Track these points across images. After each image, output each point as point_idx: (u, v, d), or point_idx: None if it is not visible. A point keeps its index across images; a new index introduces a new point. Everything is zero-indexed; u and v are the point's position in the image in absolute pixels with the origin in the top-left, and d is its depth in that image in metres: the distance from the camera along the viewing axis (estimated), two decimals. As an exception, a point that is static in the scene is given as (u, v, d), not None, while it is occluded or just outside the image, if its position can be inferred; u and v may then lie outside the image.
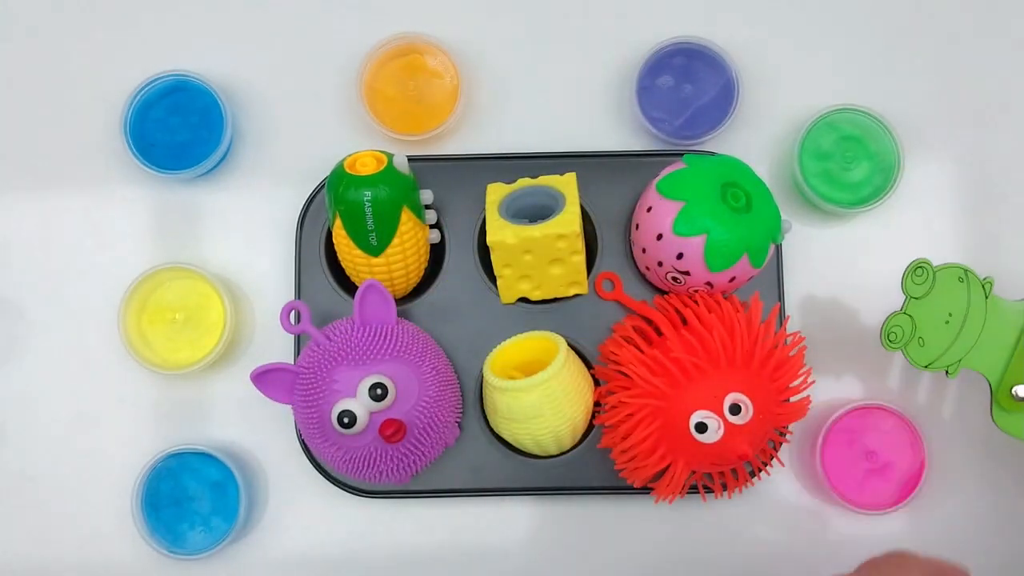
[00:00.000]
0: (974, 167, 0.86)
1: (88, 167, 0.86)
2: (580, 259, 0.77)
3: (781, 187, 0.85)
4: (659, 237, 0.73)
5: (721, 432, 0.69)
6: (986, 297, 0.74)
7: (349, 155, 0.75)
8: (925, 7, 0.87)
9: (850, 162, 0.83)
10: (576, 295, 0.80)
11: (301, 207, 0.82)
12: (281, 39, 0.88)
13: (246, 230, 0.86)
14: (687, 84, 0.84)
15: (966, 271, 0.74)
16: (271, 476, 0.84)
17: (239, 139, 0.86)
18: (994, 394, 0.75)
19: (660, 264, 0.74)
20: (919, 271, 0.72)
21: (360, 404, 0.70)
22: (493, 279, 0.80)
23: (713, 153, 0.80)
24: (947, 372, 0.74)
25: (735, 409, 0.69)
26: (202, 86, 0.83)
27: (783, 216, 0.76)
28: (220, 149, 0.82)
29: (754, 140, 0.86)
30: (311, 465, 0.80)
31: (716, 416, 0.69)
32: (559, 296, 0.80)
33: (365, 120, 0.83)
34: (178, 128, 0.84)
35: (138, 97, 0.83)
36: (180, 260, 0.84)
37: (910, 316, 0.73)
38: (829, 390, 0.83)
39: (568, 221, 0.74)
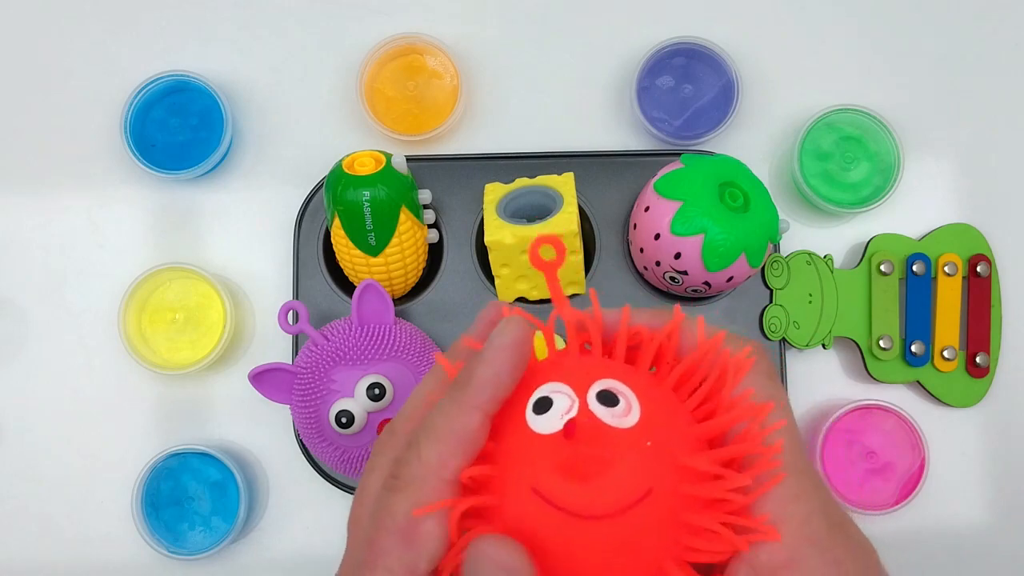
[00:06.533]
0: (974, 167, 0.86)
1: (88, 167, 0.86)
2: (578, 259, 0.77)
3: (781, 187, 0.85)
4: (657, 237, 0.73)
5: (568, 417, 0.38)
6: (831, 271, 0.81)
7: (347, 155, 0.76)
8: (924, 7, 0.87)
9: (850, 162, 0.83)
10: (574, 295, 0.80)
11: (299, 207, 0.82)
12: (281, 39, 0.88)
13: (246, 230, 0.86)
14: (687, 84, 0.84)
15: (810, 254, 0.81)
16: (271, 476, 0.84)
17: (239, 139, 0.86)
18: (864, 352, 0.81)
19: (658, 264, 0.74)
20: (775, 265, 0.80)
21: (358, 404, 0.70)
22: (491, 279, 0.80)
23: (711, 153, 0.80)
24: (823, 345, 0.81)
25: (607, 399, 0.38)
26: (202, 86, 0.83)
27: (781, 216, 0.76)
28: (220, 149, 0.82)
29: (754, 140, 0.85)
30: (311, 465, 0.80)
31: (570, 392, 0.39)
32: (557, 296, 0.80)
33: (365, 120, 0.83)
34: (178, 129, 0.84)
35: (138, 97, 0.83)
36: (180, 260, 0.84)
37: (781, 305, 0.80)
38: (829, 390, 0.83)
39: (566, 221, 0.74)
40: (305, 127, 0.87)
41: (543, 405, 0.38)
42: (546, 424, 0.37)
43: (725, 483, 0.36)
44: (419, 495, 0.37)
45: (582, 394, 0.38)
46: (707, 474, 0.37)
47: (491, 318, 0.42)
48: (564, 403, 0.38)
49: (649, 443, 0.36)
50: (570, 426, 0.37)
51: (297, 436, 0.80)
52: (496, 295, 0.80)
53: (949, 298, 0.81)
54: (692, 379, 0.40)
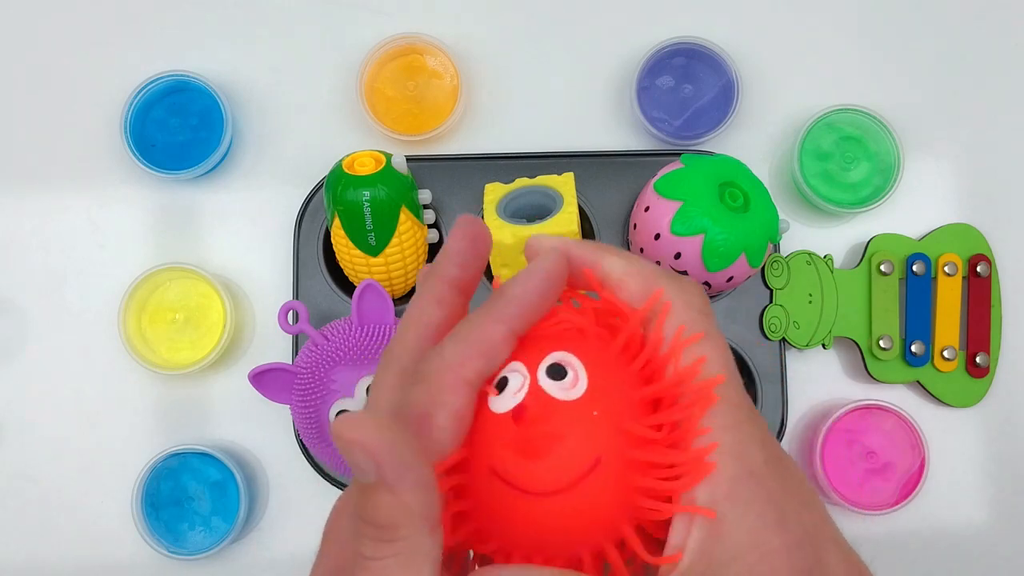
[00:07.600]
0: (974, 167, 0.86)
1: (88, 167, 0.86)
2: (578, 259, 0.77)
3: (781, 187, 0.85)
4: (657, 237, 0.73)
5: (520, 396, 0.37)
6: (831, 271, 0.81)
7: (347, 155, 0.76)
8: (925, 7, 0.87)
9: (850, 162, 0.83)
10: (575, 295, 0.80)
11: (299, 207, 0.82)
12: (281, 39, 0.88)
13: (246, 230, 0.86)
14: (687, 84, 0.84)
15: (810, 254, 0.81)
16: (271, 476, 0.84)
17: (239, 139, 0.86)
18: (864, 352, 0.81)
19: (658, 264, 0.74)
20: (775, 265, 0.80)
21: (358, 404, 0.70)
22: (491, 279, 0.79)
23: (711, 153, 0.80)
24: (823, 345, 0.81)
25: (555, 372, 0.38)
26: (202, 86, 0.83)
27: (781, 216, 0.76)
28: (220, 149, 0.82)
29: (754, 140, 0.85)
30: (311, 465, 0.80)
31: (524, 370, 0.38)
32: (557, 296, 0.80)
33: (365, 120, 0.83)
34: (178, 129, 0.84)
35: (138, 97, 0.83)
36: (180, 260, 0.84)
37: (781, 305, 0.80)
38: (829, 390, 0.83)
39: (566, 221, 0.74)
40: (305, 127, 0.87)
41: (501, 385, 0.38)
42: (502, 404, 0.38)
43: (664, 446, 0.37)
44: (438, 386, 0.37)
45: (533, 370, 0.38)
46: (650, 437, 0.38)
47: (467, 233, 0.41)
48: (517, 382, 0.38)
49: (595, 412, 0.37)
50: (518, 409, 0.37)
51: (297, 436, 0.80)
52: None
53: (949, 298, 0.81)
54: (635, 340, 0.39)
